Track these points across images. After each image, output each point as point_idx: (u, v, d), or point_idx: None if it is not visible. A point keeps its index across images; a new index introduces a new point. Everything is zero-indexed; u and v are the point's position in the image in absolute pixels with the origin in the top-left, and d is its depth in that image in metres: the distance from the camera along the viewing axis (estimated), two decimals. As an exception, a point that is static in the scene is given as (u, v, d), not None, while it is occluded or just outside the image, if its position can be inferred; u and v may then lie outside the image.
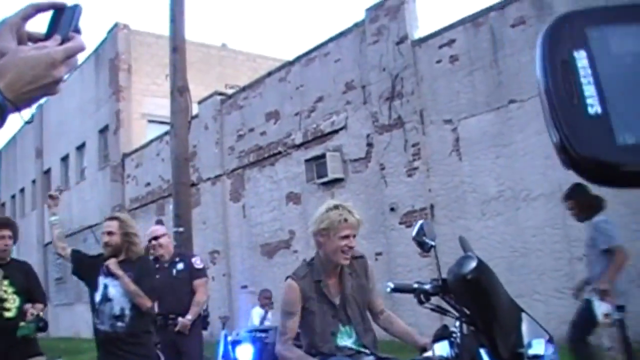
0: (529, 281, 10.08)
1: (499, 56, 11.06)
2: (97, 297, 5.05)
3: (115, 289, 5.00)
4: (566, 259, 9.92)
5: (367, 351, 3.82)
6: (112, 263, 5.02)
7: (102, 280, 5.06)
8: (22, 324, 5.43)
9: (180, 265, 7.01)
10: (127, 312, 4.97)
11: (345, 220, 3.83)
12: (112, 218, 5.25)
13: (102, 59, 25.05)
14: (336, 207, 3.92)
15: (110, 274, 5.01)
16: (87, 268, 5.22)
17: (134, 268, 5.04)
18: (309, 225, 4.06)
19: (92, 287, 5.11)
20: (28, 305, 5.60)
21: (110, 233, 5.09)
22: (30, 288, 5.79)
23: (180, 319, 7.22)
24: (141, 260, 5.24)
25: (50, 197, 5.60)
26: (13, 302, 5.50)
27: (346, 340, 3.90)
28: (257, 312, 10.06)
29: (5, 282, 5.51)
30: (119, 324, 4.96)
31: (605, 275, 5.96)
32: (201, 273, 7.58)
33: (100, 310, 5.02)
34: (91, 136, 25.97)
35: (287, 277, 3.97)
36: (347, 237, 3.82)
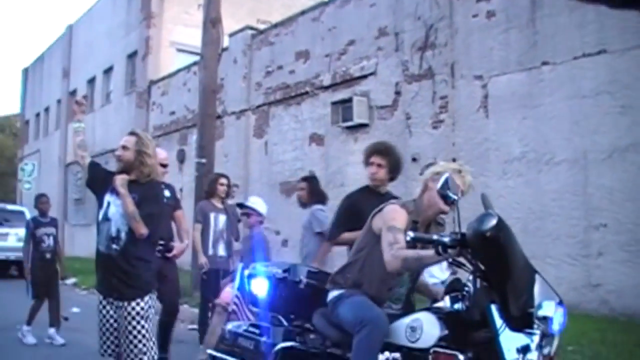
0: (542, 244, 10.12)
1: (536, 16, 10.89)
2: (100, 214, 4.83)
3: (115, 208, 4.75)
4: (582, 226, 9.93)
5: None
6: (119, 179, 4.76)
7: (107, 197, 4.81)
8: None
9: (167, 193, 6.88)
10: (122, 234, 4.72)
11: (460, 172, 3.87)
12: (130, 133, 4.96)
13: (136, -16, 24.92)
14: (461, 167, 3.98)
15: (115, 190, 4.75)
16: (100, 182, 4.92)
17: (140, 190, 4.77)
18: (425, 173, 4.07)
19: (100, 203, 4.87)
20: None
21: (124, 147, 4.83)
22: None
23: (176, 244, 7.41)
24: (149, 184, 4.88)
25: (77, 102, 5.45)
26: None
27: (400, 288, 3.99)
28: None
29: None
30: (114, 246, 4.72)
31: (316, 255, 6.66)
32: (180, 204, 7.95)
33: (100, 229, 4.82)
34: (119, 60, 25.99)
35: (394, 203, 3.99)
36: None
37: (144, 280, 4.80)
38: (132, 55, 24.97)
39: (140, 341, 4.66)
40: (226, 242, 8.78)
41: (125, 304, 4.69)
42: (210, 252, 8.64)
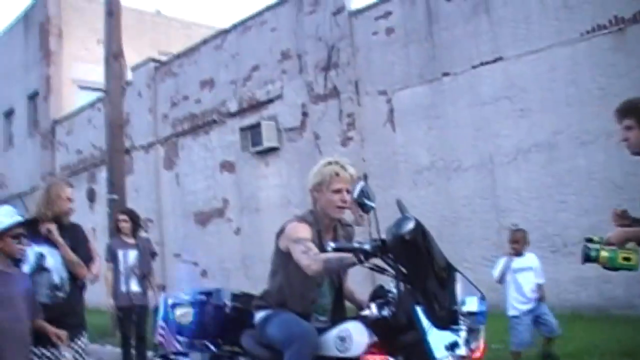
0: (458, 249, 10.34)
1: (433, 29, 11.24)
2: (26, 268, 4.70)
3: (54, 258, 4.81)
4: (494, 228, 10.24)
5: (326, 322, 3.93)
6: (52, 229, 4.83)
7: (33, 249, 4.74)
8: None
9: None
10: (65, 281, 4.82)
11: (337, 174, 3.94)
12: (69, 185, 5.11)
13: (32, 23, 24.32)
14: (329, 162, 4.04)
15: (42, 240, 4.79)
16: None
17: (67, 235, 4.89)
18: (306, 183, 4.11)
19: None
20: None
21: (71, 200, 5.02)
22: None
23: None
24: (72, 227, 5.04)
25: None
26: None
27: (322, 299, 4.01)
28: None
29: None
30: (60, 294, 4.80)
31: None
32: None
33: (33, 281, 4.66)
34: (20, 101, 25.28)
35: (292, 220, 3.99)
36: (339, 191, 3.92)
37: (82, 317, 5.10)
38: (33, 96, 24.32)
39: None
40: (139, 277, 8.67)
41: (76, 340, 4.85)
42: (123, 288, 8.57)
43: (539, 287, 7.14)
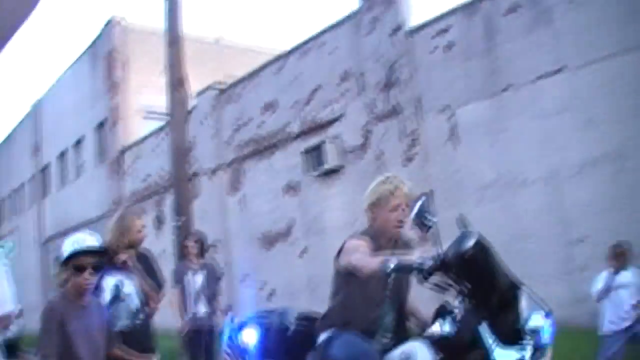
0: (526, 266, 10.08)
1: (493, 43, 11.13)
2: (104, 299, 4.86)
3: (130, 286, 5.01)
4: (562, 243, 10.03)
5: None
6: (129, 259, 5.03)
7: (108, 280, 4.93)
8: None
9: None
10: (140, 307, 5.05)
11: (394, 191, 3.91)
12: (141, 215, 5.42)
13: (98, 54, 25.02)
14: (385, 179, 4.03)
15: (117, 270, 4.96)
16: None
17: (141, 263, 5.13)
18: (362, 201, 4.09)
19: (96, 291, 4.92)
20: None
21: (143, 229, 5.24)
22: None
23: None
24: (142, 256, 5.26)
25: None
26: None
27: (385, 318, 3.92)
28: None
29: None
30: (138, 320, 5.02)
31: None
32: None
33: (113, 310, 4.87)
34: (88, 132, 25.94)
35: (351, 237, 3.93)
36: (397, 208, 3.89)
37: (155, 341, 5.29)
38: (100, 125, 24.94)
39: None
40: (207, 299, 8.76)
41: None
42: (191, 311, 8.67)
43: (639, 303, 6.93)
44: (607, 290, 6.98)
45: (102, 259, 3.97)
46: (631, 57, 9.45)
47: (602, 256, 9.39)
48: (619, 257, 7.01)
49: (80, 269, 3.81)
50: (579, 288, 9.73)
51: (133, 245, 5.12)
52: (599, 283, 7.09)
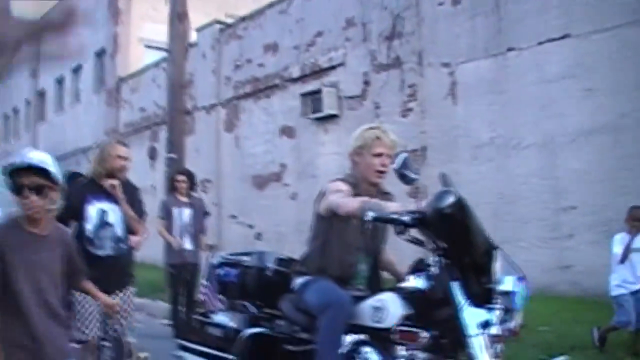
0: (514, 228, 10.20)
1: (501, 2, 10.96)
2: (89, 225, 5.01)
3: (115, 214, 5.09)
4: (552, 209, 10.04)
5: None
6: (115, 186, 5.08)
7: (95, 205, 5.05)
8: None
9: None
10: (124, 235, 5.16)
11: (378, 138, 3.93)
12: (123, 144, 5.33)
13: (102, -19, 24.69)
14: (371, 127, 4.04)
15: (105, 197, 5.07)
16: (78, 200, 4.95)
17: (124, 192, 5.17)
18: (347, 147, 4.11)
19: (81, 214, 5.00)
20: None
21: (127, 159, 5.22)
22: None
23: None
24: (127, 185, 5.31)
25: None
26: None
27: (361, 268, 3.99)
28: None
29: None
30: (122, 245, 5.14)
31: None
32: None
33: (98, 235, 5.03)
34: (87, 59, 25.73)
35: (332, 181, 3.99)
36: (380, 155, 3.91)
37: (133, 268, 5.47)
38: (100, 53, 24.72)
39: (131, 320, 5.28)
40: (192, 235, 8.78)
41: (125, 290, 5.18)
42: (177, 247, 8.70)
43: None
44: (627, 251, 7.01)
45: (46, 181, 3.14)
46: (639, 29, 9.33)
47: (590, 225, 9.49)
48: (638, 221, 7.03)
49: (18, 190, 3.13)
50: (564, 255, 9.80)
51: (113, 172, 5.11)
52: (617, 245, 7.10)
